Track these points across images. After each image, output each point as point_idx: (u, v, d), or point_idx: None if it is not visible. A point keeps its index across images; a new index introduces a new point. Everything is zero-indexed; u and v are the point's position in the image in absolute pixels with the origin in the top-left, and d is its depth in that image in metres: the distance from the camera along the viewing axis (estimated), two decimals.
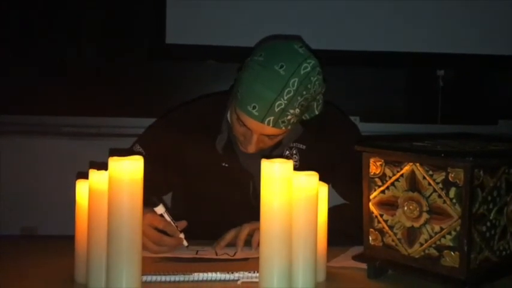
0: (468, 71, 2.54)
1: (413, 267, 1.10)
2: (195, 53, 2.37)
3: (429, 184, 1.07)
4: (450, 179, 1.04)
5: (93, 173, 1.04)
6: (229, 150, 1.52)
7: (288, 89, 1.33)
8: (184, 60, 2.40)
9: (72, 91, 2.36)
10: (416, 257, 1.10)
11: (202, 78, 2.38)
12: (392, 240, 1.13)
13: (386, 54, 2.43)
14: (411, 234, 1.10)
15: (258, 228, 1.28)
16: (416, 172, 1.08)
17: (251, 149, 1.42)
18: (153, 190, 1.22)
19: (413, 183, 1.09)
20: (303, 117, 1.48)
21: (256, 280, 1.08)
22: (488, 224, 1.08)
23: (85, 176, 1.07)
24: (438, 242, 1.07)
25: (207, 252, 1.32)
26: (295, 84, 1.33)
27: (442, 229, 1.06)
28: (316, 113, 1.47)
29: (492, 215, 1.09)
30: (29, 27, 2.38)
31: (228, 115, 1.51)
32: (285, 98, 1.33)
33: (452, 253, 1.05)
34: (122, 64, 2.40)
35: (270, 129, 1.38)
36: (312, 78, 1.36)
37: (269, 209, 1.00)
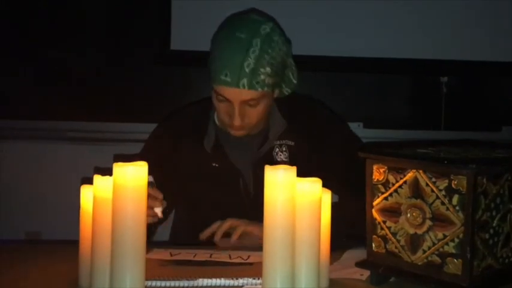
0: (472, 78, 2.55)
1: (416, 274, 1.10)
2: (200, 59, 2.37)
3: (432, 191, 1.07)
4: (453, 186, 1.04)
5: (97, 179, 1.05)
6: (219, 150, 1.55)
7: (252, 48, 1.40)
8: (189, 66, 2.41)
9: (77, 96, 2.37)
10: (419, 264, 1.10)
11: (207, 84, 2.38)
12: (395, 247, 1.13)
13: (390, 60, 2.44)
14: (414, 241, 1.10)
15: (240, 225, 1.40)
16: (420, 179, 1.09)
17: (237, 121, 1.44)
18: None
19: (416, 190, 1.09)
20: (285, 91, 1.53)
21: (260, 286, 1.08)
22: (491, 231, 1.08)
23: (89, 181, 1.07)
24: (441, 249, 1.07)
25: (221, 256, 1.32)
26: (258, 43, 1.40)
27: (445, 236, 1.06)
28: (294, 81, 1.52)
29: (495, 222, 1.09)
30: (33, 31, 2.39)
31: (215, 115, 1.56)
32: (252, 57, 1.39)
33: (455, 260, 1.05)
34: (127, 70, 2.41)
35: (246, 92, 1.41)
36: (273, 37, 1.43)
37: (272, 214, 1.01)
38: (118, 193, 0.99)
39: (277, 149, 1.56)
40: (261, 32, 1.42)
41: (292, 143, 1.56)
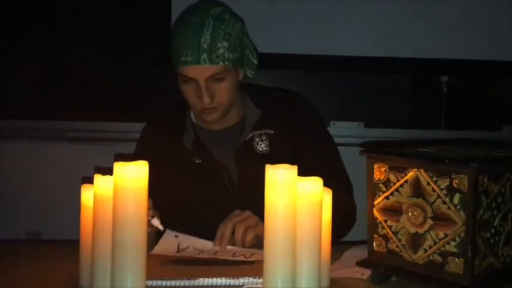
0: (472, 77, 2.54)
1: (417, 274, 1.10)
2: None
3: (433, 190, 1.07)
4: (454, 185, 1.04)
5: (98, 178, 1.05)
6: (199, 147, 1.58)
7: (206, 26, 1.46)
8: None
9: (77, 96, 2.37)
10: (421, 263, 1.10)
11: None
12: (397, 246, 1.13)
13: (391, 60, 2.43)
14: (415, 240, 1.10)
15: (238, 222, 1.38)
16: (421, 178, 1.08)
17: (206, 99, 1.47)
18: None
19: (417, 189, 1.09)
20: (248, 74, 1.58)
21: (261, 286, 1.08)
22: (493, 230, 1.08)
23: (90, 181, 1.07)
24: (442, 248, 1.07)
25: (225, 254, 1.32)
26: (211, 21, 1.47)
27: (446, 235, 1.06)
28: (255, 62, 1.58)
29: (496, 221, 1.09)
30: (33, 31, 2.39)
31: (192, 113, 1.61)
32: (207, 34, 1.46)
33: (456, 259, 1.05)
34: (127, 69, 2.41)
35: (208, 68, 1.46)
36: (224, 16, 1.50)
37: (273, 214, 1.00)
38: (118, 193, 0.99)
39: (257, 139, 1.58)
40: (212, 13, 1.49)
41: (272, 132, 1.59)
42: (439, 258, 1.07)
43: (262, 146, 1.58)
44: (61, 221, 1.94)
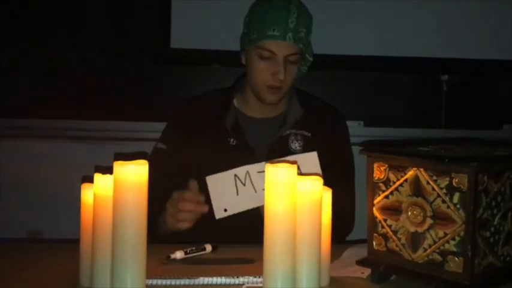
0: (472, 76, 2.54)
1: (417, 273, 1.10)
2: (200, 58, 2.38)
3: (433, 189, 1.07)
4: (454, 184, 1.04)
5: (98, 177, 1.05)
6: (238, 129, 1.64)
7: (292, 10, 1.56)
8: (189, 64, 2.41)
9: (77, 95, 2.37)
10: (420, 262, 1.10)
11: (207, 83, 2.39)
12: (396, 245, 1.13)
13: (391, 59, 2.43)
14: (415, 240, 1.10)
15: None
16: (420, 177, 1.09)
17: (282, 75, 1.55)
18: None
19: (417, 189, 1.09)
20: (303, 70, 1.66)
21: (261, 285, 1.08)
22: (492, 229, 1.08)
23: (90, 179, 1.08)
24: (442, 247, 1.07)
25: None
26: (295, 7, 1.58)
27: (446, 234, 1.06)
28: (311, 59, 1.66)
29: (496, 220, 1.09)
30: (33, 31, 2.39)
31: (235, 100, 1.67)
32: (293, 16, 1.55)
33: (456, 258, 1.05)
34: (127, 68, 2.41)
35: (291, 46, 1.55)
36: (304, 7, 1.62)
37: (273, 213, 1.01)
38: (119, 191, 0.99)
39: (293, 137, 1.64)
40: (294, 1, 1.60)
41: (309, 134, 1.64)
42: (438, 257, 1.08)
43: (296, 145, 1.63)
44: (61, 220, 1.94)
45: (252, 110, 1.67)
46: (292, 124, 1.64)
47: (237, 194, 1.38)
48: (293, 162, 1.17)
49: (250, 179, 1.39)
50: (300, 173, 1.33)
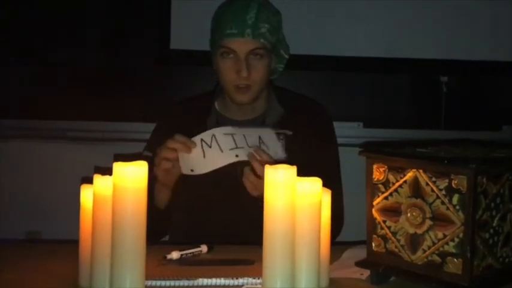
0: (472, 77, 2.54)
1: (416, 274, 1.10)
2: (200, 59, 2.37)
3: (432, 191, 1.07)
4: (453, 185, 1.04)
5: (97, 178, 1.05)
6: None
7: (251, 7, 1.57)
8: (189, 65, 2.41)
9: (76, 96, 2.36)
10: (419, 263, 1.10)
11: (207, 84, 2.39)
12: (396, 247, 1.13)
13: (390, 60, 2.43)
14: (414, 241, 1.10)
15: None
16: (420, 178, 1.09)
17: (244, 72, 1.55)
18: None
19: (416, 190, 1.09)
20: (279, 68, 1.66)
21: (261, 286, 1.08)
22: (492, 231, 1.08)
23: (89, 180, 1.08)
24: (441, 249, 1.07)
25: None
26: (256, 4, 1.58)
27: (445, 236, 1.06)
28: (286, 56, 1.67)
29: (495, 221, 1.09)
30: (33, 31, 2.39)
31: (216, 104, 1.68)
32: (252, 13, 1.56)
33: (455, 260, 1.05)
34: (127, 69, 2.41)
35: (251, 42, 1.55)
36: (267, 3, 1.62)
37: (272, 214, 1.01)
38: (118, 193, 0.99)
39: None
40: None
41: (291, 133, 1.61)
42: (437, 259, 1.08)
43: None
44: (60, 221, 1.93)
45: (232, 113, 1.68)
46: (272, 124, 1.64)
47: (204, 157, 1.42)
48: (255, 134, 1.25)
49: (217, 141, 1.43)
50: (263, 143, 1.40)
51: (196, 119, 1.67)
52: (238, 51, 1.56)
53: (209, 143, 1.43)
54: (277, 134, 1.56)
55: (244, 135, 1.45)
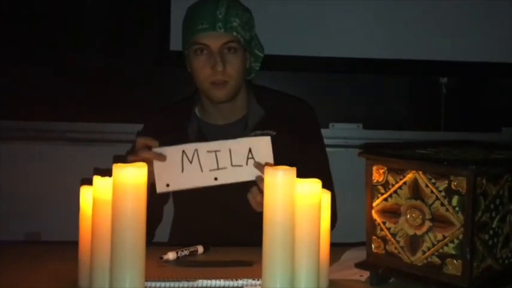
0: (471, 79, 2.54)
1: (415, 275, 1.10)
2: None
3: (432, 192, 1.07)
4: (453, 187, 1.04)
5: (97, 179, 1.05)
6: (202, 139, 1.60)
7: (221, 3, 1.57)
8: None
9: (76, 97, 2.36)
10: (419, 265, 1.10)
11: None
12: (395, 248, 1.13)
13: (390, 61, 2.43)
14: (414, 242, 1.10)
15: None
16: (419, 180, 1.09)
17: (219, 66, 1.54)
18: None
19: (416, 191, 1.09)
20: (255, 66, 1.66)
21: (260, 287, 1.08)
22: (491, 232, 1.08)
23: (89, 182, 1.08)
24: (441, 250, 1.07)
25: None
26: (225, 1, 1.58)
27: (444, 237, 1.06)
28: (261, 55, 1.67)
29: (495, 223, 1.09)
30: (33, 31, 2.39)
31: (197, 109, 1.67)
32: (222, 8, 1.56)
33: (454, 261, 1.06)
34: (127, 70, 2.41)
35: (223, 36, 1.55)
36: (236, 1, 1.62)
37: (272, 216, 1.01)
38: (117, 194, 0.99)
39: None
40: None
41: (274, 133, 1.60)
42: (437, 260, 1.08)
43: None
44: (60, 222, 1.93)
45: (213, 118, 1.66)
46: (254, 125, 1.63)
47: (182, 171, 1.36)
48: (245, 146, 1.24)
49: (198, 158, 1.37)
50: (252, 157, 1.36)
51: (176, 126, 1.65)
52: (211, 45, 1.55)
53: (190, 158, 1.37)
54: (265, 136, 1.54)
55: (230, 149, 1.37)
